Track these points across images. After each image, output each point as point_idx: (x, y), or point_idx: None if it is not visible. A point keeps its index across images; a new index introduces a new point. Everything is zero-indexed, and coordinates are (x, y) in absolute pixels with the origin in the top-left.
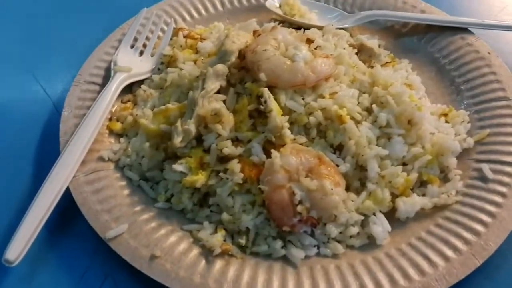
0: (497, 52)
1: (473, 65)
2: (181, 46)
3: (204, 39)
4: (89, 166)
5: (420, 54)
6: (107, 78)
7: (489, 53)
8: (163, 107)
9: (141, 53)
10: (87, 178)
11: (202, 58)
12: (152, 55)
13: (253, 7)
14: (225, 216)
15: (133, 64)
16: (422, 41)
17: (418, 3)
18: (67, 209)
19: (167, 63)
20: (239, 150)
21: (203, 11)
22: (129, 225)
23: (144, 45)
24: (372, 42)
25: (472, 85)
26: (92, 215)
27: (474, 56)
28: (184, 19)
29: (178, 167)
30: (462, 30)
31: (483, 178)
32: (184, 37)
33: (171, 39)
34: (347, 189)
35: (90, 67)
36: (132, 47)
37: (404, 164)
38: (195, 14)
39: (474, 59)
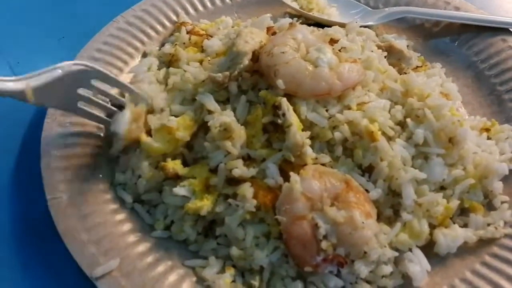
0: None
1: None
2: (184, 43)
3: (211, 36)
4: (74, 185)
5: (454, 57)
6: None
7: None
8: (166, 122)
9: None
10: (72, 200)
11: (208, 58)
12: None
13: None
14: (234, 251)
15: None
16: (456, 43)
17: None
18: (46, 238)
19: (167, 62)
20: (252, 171)
21: (208, 4)
22: (121, 260)
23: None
24: (401, 43)
25: None
26: (76, 247)
27: None
28: (187, 13)
29: (180, 190)
30: (503, 30)
31: None
32: (188, 33)
33: (172, 35)
34: (378, 218)
35: None
36: None
37: (442, 188)
38: (200, 7)
39: None
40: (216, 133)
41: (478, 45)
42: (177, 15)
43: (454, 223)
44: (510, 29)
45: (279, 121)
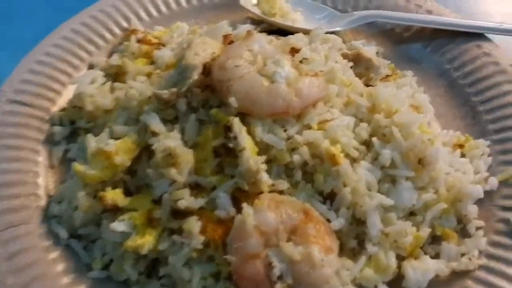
0: None
1: (493, 80)
2: (133, 53)
3: (163, 45)
4: (4, 219)
5: (426, 65)
6: (39, 96)
7: (511, 65)
8: (103, 146)
9: None
10: (0, 237)
11: (158, 71)
12: None
13: (225, 4)
14: None
15: None
16: (428, 49)
17: (423, 2)
18: None
19: (113, 75)
20: (200, 201)
21: (163, 8)
22: None
23: None
24: (369, 50)
25: (492, 106)
26: None
27: (493, 69)
28: (140, 18)
29: (118, 226)
30: (478, 36)
31: None
32: (138, 41)
33: (121, 44)
34: (341, 250)
35: (17, 81)
36: None
37: (411, 214)
38: (154, 12)
39: (494, 73)
40: (160, 159)
41: (452, 51)
42: (128, 21)
43: (425, 253)
44: (485, 34)
45: (231, 144)
